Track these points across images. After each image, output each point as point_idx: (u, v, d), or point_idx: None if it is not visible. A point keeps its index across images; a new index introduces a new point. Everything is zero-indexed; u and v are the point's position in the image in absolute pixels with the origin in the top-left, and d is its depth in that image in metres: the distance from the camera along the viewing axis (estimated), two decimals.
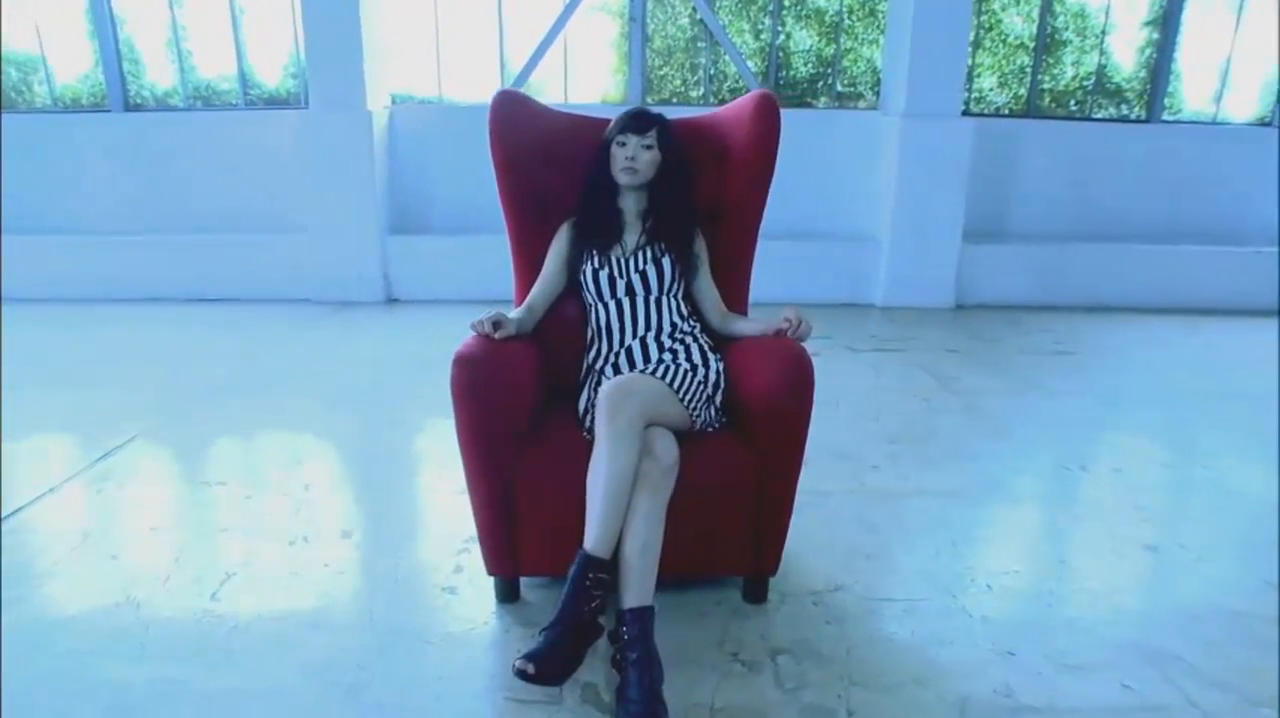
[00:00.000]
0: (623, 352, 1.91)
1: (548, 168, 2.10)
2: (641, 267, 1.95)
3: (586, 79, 5.31)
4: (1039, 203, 5.20)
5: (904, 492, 2.45)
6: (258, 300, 4.96)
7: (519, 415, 1.72)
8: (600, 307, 1.97)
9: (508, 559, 1.77)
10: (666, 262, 1.96)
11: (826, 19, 5.15)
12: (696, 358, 1.86)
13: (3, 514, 2.27)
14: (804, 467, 2.55)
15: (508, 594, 1.85)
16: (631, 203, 2.02)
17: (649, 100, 5.21)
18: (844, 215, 5.10)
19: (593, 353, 1.98)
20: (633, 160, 1.94)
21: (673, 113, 2.24)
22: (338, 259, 4.87)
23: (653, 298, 1.95)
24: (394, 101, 5.06)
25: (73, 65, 5.15)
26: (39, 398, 3.27)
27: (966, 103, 5.18)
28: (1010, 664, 1.66)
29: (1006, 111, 5.27)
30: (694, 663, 1.64)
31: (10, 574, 1.97)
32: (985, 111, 5.25)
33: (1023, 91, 5.22)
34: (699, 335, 1.95)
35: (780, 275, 4.87)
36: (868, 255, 4.91)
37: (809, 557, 2.07)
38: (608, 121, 2.07)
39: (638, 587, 1.47)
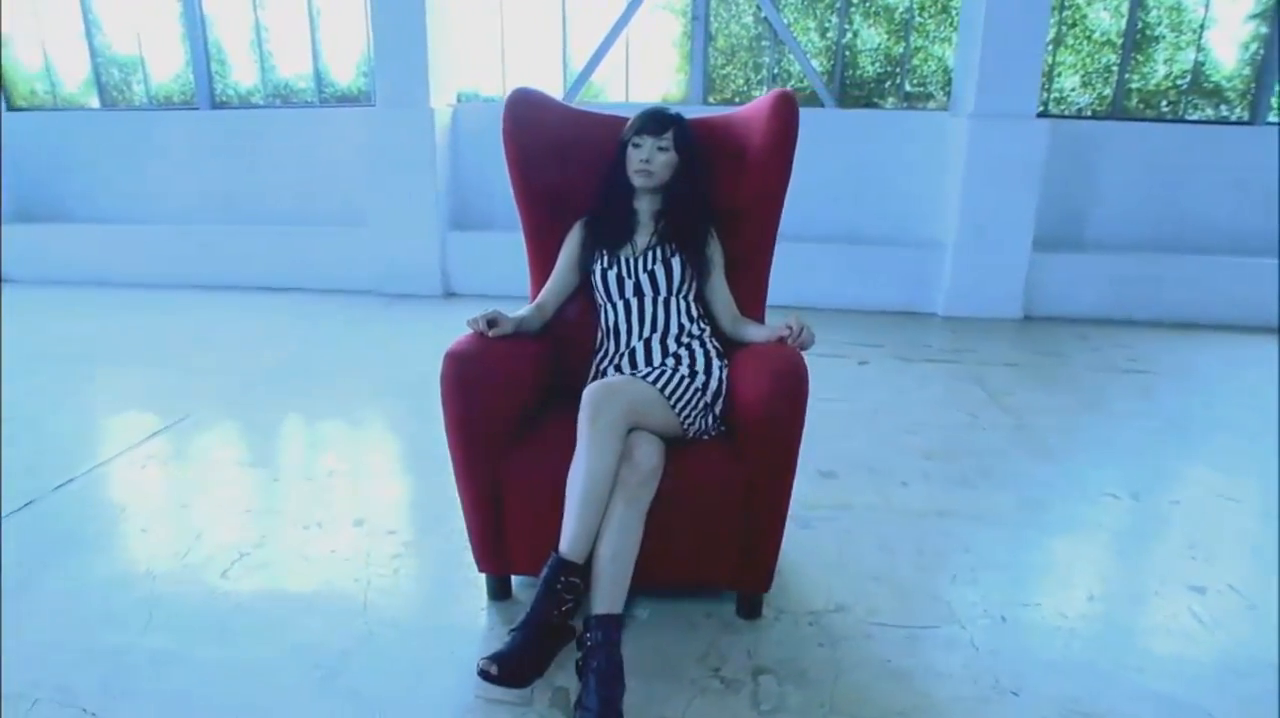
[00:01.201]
0: (627, 353, 1.88)
1: (563, 166, 2.09)
2: (650, 267, 1.92)
3: (648, 78, 5.30)
4: (1121, 210, 4.87)
5: (930, 511, 2.33)
6: (323, 290, 5.16)
7: (508, 415, 1.71)
8: (609, 307, 1.95)
9: (496, 557, 1.77)
10: (676, 262, 1.93)
11: (896, 16, 4.97)
12: (700, 363, 1.81)
13: (12, 508, 2.42)
14: (828, 479, 2.50)
15: (499, 592, 1.85)
16: (646, 204, 1.99)
17: (711, 100, 5.16)
18: (908, 220, 4.91)
19: (600, 353, 1.97)
20: (647, 163, 1.91)
21: None
22: (398, 253, 5.02)
23: (661, 299, 1.92)
24: (459, 100, 5.17)
25: (167, 66, 5.49)
26: (112, 376, 3.49)
27: (1045, 103, 4.90)
28: (1011, 706, 1.54)
29: (1089, 113, 4.96)
30: (672, 675, 1.60)
31: (50, 541, 2.10)
32: (1065, 113, 4.96)
33: (1108, 91, 4.90)
34: (708, 340, 1.91)
35: (838, 280, 4.75)
36: (931, 262, 4.71)
37: (814, 573, 1.99)
38: (626, 120, 2.04)
39: (606, 594, 1.44)
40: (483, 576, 1.86)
